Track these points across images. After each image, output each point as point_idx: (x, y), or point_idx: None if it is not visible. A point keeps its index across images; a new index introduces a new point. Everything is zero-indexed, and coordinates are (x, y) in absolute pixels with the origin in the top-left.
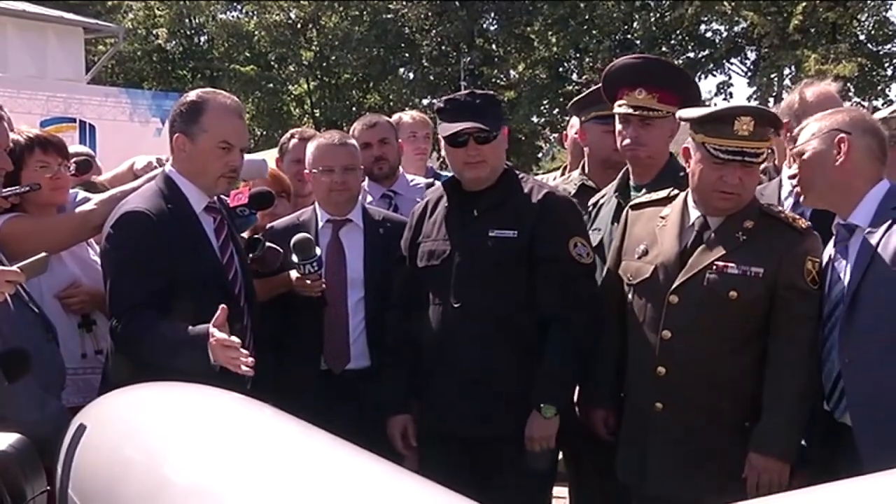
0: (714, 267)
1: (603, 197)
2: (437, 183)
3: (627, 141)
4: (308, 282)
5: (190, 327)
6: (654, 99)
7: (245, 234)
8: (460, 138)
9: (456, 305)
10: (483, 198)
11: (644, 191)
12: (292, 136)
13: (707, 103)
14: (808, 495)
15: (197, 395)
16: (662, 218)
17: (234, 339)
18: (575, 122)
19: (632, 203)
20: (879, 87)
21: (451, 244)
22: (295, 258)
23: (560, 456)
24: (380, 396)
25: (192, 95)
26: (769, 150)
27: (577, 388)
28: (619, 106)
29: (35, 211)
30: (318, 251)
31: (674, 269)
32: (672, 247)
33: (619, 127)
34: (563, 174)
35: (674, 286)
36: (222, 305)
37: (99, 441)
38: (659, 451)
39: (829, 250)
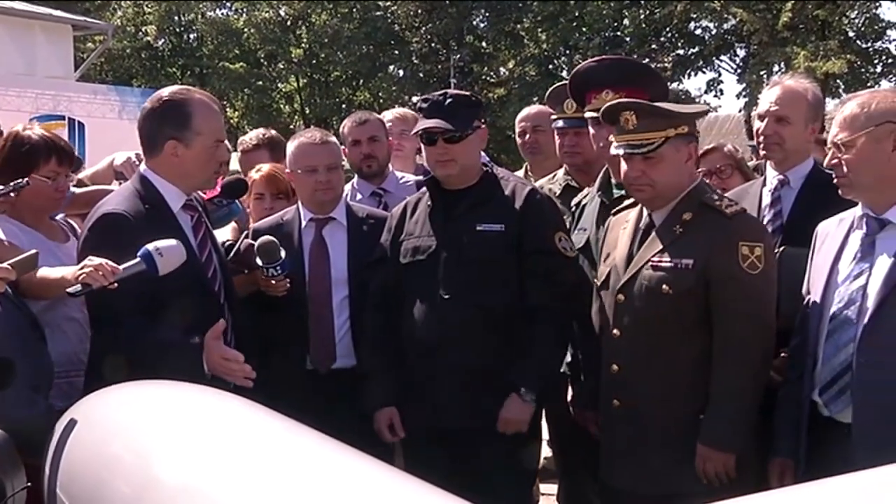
0: (650, 263)
1: (586, 197)
2: None
3: (602, 143)
4: (273, 282)
5: (182, 336)
6: (620, 98)
7: (230, 235)
8: (433, 136)
9: (446, 297)
10: (467, 195)
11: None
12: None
13: (696, 100)
14: (799, 492)
15: (186, 393)
16: (627, 221)
17: (237, 353)
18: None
19: (614, 209)
20: (868, 84)
21: (437, 239)
22: (259, 261)
23: (550, 453)
24: (364, 395)
25: (169, 97)
26: (664, 139)
27: (571, 389)
28: (589, 109)
29: (28, 213)
30: (282, 254)
31: (622, 268)
32: (624, 247)
33: (592, 130)
34: (525, 174)
35: (620, 285)
36: (221, 320)
37: (87, 439)
38: (619, 446)
39: (830, 241)
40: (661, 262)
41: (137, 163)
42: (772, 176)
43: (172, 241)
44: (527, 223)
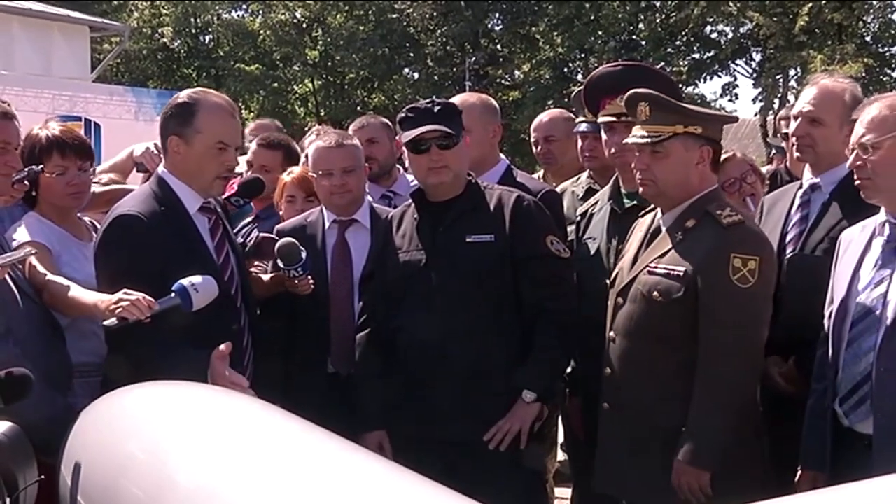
0: (647, 268)
1: (594, 206)
2: None
3: (614, 149)
4: (297, 281)
5: (192, 350)
6: None
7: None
8: (423, 145)
9: (441, 310)
10: (454, 206)
11: (635, 198)
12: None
13: (712, 105)
14: (813, 498)
15: (203, 394)
16: (644, 224)
17: (241, 377)
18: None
19: (641, 213)
20: (887, 89)
21: (427, 253)
22: (280, 263)
23: (564, 457)
24: (358, 411)
25: (182, 96)
26: (671, 134)
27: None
28: (603, 115)
29: (53, 211)
30: (303, 255)
31: (627, 271)
32: (633, 250)
33: (605, 136)
34: (545, 177)
35: (620, 288)
36: (227, 342)
37: (102, 440)
38: (605, 452)
39: (853, 248)
40: (656, 268)
41: (156, 153)
42: (806, 179)
43: (208, 277)
44: (517, 231)
